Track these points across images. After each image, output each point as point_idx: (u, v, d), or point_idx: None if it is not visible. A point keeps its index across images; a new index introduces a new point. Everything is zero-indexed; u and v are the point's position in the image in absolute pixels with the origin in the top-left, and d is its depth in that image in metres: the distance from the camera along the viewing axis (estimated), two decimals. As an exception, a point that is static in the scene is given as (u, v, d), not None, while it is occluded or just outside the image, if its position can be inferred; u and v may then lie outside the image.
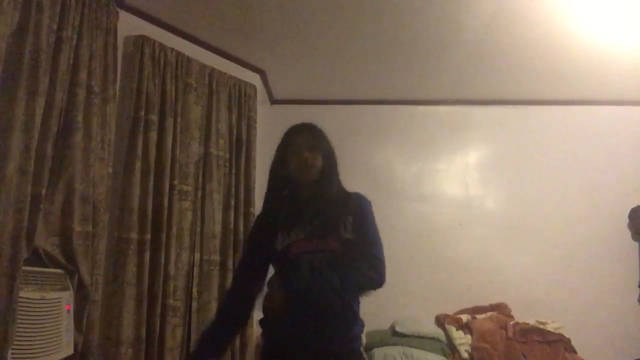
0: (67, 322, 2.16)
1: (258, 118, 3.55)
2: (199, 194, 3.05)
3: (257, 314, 1.71)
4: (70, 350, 2.18)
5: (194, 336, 2.87)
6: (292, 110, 4.21)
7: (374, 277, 1.58)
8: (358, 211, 1.65)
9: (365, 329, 3.76)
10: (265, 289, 1.70)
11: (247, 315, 1.80)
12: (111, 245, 2.58)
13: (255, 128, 3.50)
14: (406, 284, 3.81)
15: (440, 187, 4.10)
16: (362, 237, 1.61)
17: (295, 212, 1.65)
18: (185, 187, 2.95)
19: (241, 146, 3.38)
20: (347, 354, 1.61)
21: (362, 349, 1.76)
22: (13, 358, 1.89)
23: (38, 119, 2.08)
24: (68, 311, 2.17)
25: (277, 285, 1.66)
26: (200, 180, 3.07)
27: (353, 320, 1.63)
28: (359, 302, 1.67)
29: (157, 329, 2.66)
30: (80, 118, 2.32)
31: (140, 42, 2.82)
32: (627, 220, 3.87)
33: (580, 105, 4.10)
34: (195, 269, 2.96)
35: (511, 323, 3.58)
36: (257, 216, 1.80)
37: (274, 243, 1.64)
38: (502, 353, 3.38)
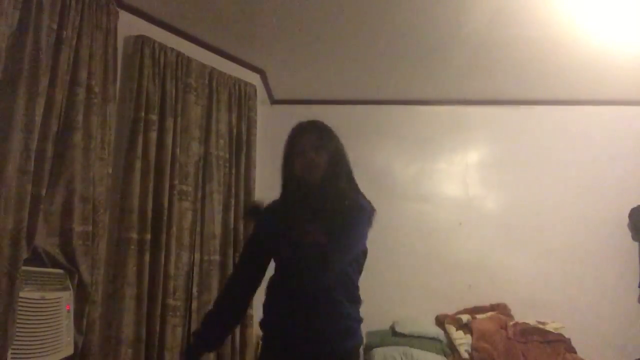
0: (67, 322, 2.16)
1: (258, 118, 3.55)
2: (199, 194, 3.05)
3: (257, 314, 1.71)
4: (70, 350, 2.18)
5: (194, 336, 2.87)
6: (292, 110, 4.20)
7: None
8: (341, 215, 1.59)
9: (365, 329, 3.75)
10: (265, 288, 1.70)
11: (244, 308, 1.80)
12: (111, 245, 2.58)
13: (255, 128, 3.50)
14: (406, 284, 3.82)
15: (440, 187, 4.09)
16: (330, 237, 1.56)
17: (298, 211, 1.63)
18: (185, 187, 2.95)
19: (241, 146, 3.39)
20: (341, 356, 1.59)
21: (361, 349, 1.75)
22: (13, 358, 1.89)
23: (38, 119, 2.08)
24: (68, 311, 2.17)
25: (275, 284, 1.66)
26: (200, 180, 3.07)
27: (344, 319, 1.60)
28: (357, 302, 1.65)
29: (157, 329, 2.66)
30: (80, 118, 2.32)
31: (140, 42, 2.82)
32: (627, 220, 3.87)
33: (580, 105, 4.10)
34: (195, 269, 2.96)
35: (511, 323, 3.57)
36: (264, 209, 1.75)
37: (276, 239, 1.63)
38: (502, 353, 3.38)
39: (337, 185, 1.65)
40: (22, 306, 1.94)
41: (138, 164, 2.69)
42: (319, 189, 1.63)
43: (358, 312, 1.66)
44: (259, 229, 1.73)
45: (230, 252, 3.17)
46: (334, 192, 1.63)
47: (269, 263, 1.73)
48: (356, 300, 1.66)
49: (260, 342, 1.73)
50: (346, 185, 1.68)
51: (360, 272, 1.69)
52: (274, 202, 1.73)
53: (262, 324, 1.68)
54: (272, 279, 1.69)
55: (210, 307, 1.83)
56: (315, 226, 1.57)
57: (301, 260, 1.52)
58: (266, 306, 1.67)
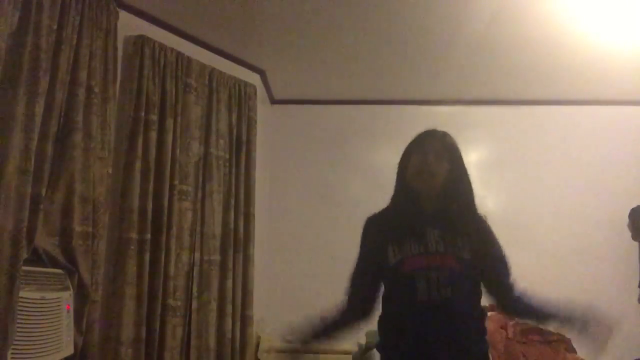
0: (67, 322, 2.15)
1: (258, 118, 3.55)
2: (199, 194, 3.05)
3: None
4: (70, 350, 2.18)
5: (194, 336, 2.87)
6: (292, 110, 4.21)
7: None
8: (479, 230, 1.53)
9: (365, 329, 3.75)
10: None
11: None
12: (111, 245, 2.58)
13: (255, 128, 3.50)
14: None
15: (440, 187, 4.08)
16: (484, 258, 1.50)
17: (411, 225, 1.50)
18: (185, 187, 2.95)
19: (241, 146, 3.38)
20: None
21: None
22: (13, 358, 1.89)
23: (38, 119, 2.08)
24: (68, 311, 2.17)
25: (391, 304, 1.53)
26: (200, 180, 3.07)
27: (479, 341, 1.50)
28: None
29: (157, 329, 2.66)
30: (80, 118, 2.32)
31: (140, 42, 2.82)
32: (627, 220, 3.86)
33: (580, 105, 4.10)
34: (195, 269, 2.96)
35: (511, 323, 3.57)
36: (370, 218, 1.61)
37: (386, 255, 1.49)
38: (502, 353, 3.38)
39: (462, 200, 1.54)
40: (22, 306, 1.94)
41: (138, 164, 2.69)
42: (439, 203, 1.52)
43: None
44: (369, 241, 1.58)
45: (230, 252, 3.17)
46: (459, 207, 1.53)
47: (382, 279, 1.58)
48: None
49: None
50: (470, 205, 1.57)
51: None
52: (387, 211, 1.60)
53: (381, 349, 1.56)
54: (385, 296, 1.57)
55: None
56: (433, 242, 1.47)
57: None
58: (383, 329, 1.55)
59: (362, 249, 1.60)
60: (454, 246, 1.46)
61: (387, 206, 1.61)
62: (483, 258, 1.50)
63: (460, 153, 1.57)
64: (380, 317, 1.56)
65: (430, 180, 1.50)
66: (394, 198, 1.60)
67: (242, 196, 3.31)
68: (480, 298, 1.54)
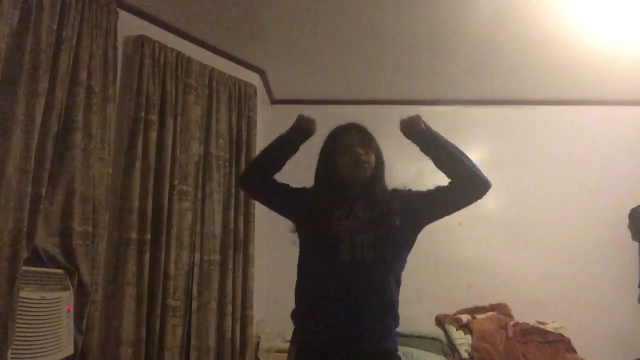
0: (67, 322, 2.15)
1: (258, 118, 3.55)
2: (199, 194, 3.05)
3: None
4: (70, 350, 2.18)
5: (194, 336, 2.87)
6: (292, 110, 4.14)
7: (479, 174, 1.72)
8: (408, 194, 1.72)
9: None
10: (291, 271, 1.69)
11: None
12: (111, 245, 2.58)
13: (255, 128, 3.50)
14: (406, 284, 3.80)
15: (440, 187, 4.09)
16: (430, 192, 1.73)
17: (342, 205, 1.63)
18: (185, 187, 2.95)
19: (241, 146, 3.38)
20: (381, 354, 1.63)
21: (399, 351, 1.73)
22: (13, 358, 1.89)
23: (38, 119, 2.08)
24: (68, 311, 2.17)
25: (308, 268, 1.64)
26: (200, 180, 3.07)
27: (390, 312, 1.63)
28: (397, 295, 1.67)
29: (157, 329, 2.66)
30: (80, 118, 2.32)
31: (140, 42, 2.82)
32: (627, 220, 3.86)
33: (580, 105, 4.09)
34: (195, 269, 2.96)
35: (511, 323, 3.57)
36: (300, 188, 1.76)
37: (311, 212, 1.64)
38: (502, 353, 3.38)
39: (383, 183, 1.72)
40: (22, 306, 1.94)
41: (138, 164, 2.69)
42: (366, 188, 1.66)
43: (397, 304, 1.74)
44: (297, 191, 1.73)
45: (230, 252, 3.17)
46: (382, 189, 1.69)
47: (289, 197, 1.74)
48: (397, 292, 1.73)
49: (293, 342, 1.67)
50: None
51: None
52: (312, 192, 1.73)
53: (294, 316, 1.66)
54: (301, 263, 1.69)
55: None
56: (364, 217, 1.60)
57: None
58: (299, 294, 1.66)
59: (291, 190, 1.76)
60: (380, 214, 1.61)
61: (311, 187, 1.74)
62: (420, 208, 1.71)
63: (375, 140, 1.75)
64: (298, 283, 1.67)
65: (365, 171, 1.66)
66: (318, 183, 1.74)
67: (242, 196, 3.31)
68: (402, 266, 1.68)
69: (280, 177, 1.79)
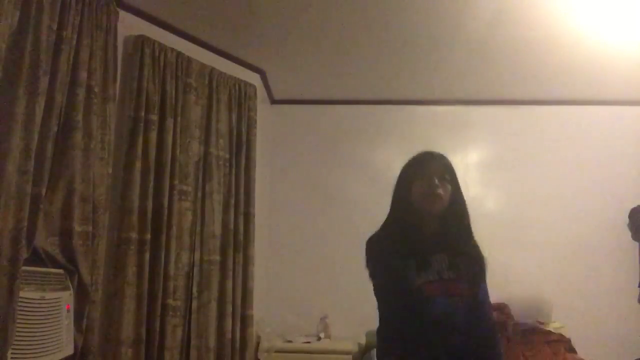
0: (67, 322, 2.15)
1: (258, 118, 3.55)
2: (199, 194, 3.05)
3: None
4: (70, 350, 2.18)
5: (194, 336, 2.87)
6: (292, 110, 4.21)
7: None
8: (480, 266, 1.60)
9: (365, 329, 3.75)
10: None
11: None
12: (111, 245, 2.58)
13: (255, 128, 3.50)
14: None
15: (440, 187, 4.08)
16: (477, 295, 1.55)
17: (423, 247, 1.53)
18: (185, 187, 2.95)
19: (241, 146, 3.39)
20: None
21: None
22: (13, 358, 1.89)
23: (38, 119, 2.08)
24: (68, 311, 2.17)
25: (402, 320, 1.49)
26: (200, 180, 3.07)
27: None
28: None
29: (157, 329, 2.66)
30: (80, 118, 2.32)
31: (140, 42, 2.82)
32: (627, 220, 3.86)
33: (580, 105, 4.09)
34: (195, 269, 2.96)
35: (511, 323, 3.57)
36: (374, 238, 1.60)
37: (406, 277, 1.48)
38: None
39: (463, 220, 1.59)
40: (22, 306, 1.94)
41: (138, 164, 2.69)
42: (443, 223, 1.56)
43: None
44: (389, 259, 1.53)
45: (230, 252, 3.17)
46: (462, 228, 1.58)
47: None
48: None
49: None
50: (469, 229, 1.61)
51: None
52: (391, 230, 1.59)
53: None
54: (382, 328, 1.54)
55: None
56: (448, 267, 1.50)
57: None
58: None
59: (377, 270, 1.56)
60: (461, 272, 1.52)
61: (385, 225, 1.62)
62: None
63: (456, 174, 1.62)
64: (384, 329, 1.54)
65: (438, 202, 1.54)
66: (395, 218, 1.61)
67: (242, 196, 3.31)
68: (493, 323, 1.60)
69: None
